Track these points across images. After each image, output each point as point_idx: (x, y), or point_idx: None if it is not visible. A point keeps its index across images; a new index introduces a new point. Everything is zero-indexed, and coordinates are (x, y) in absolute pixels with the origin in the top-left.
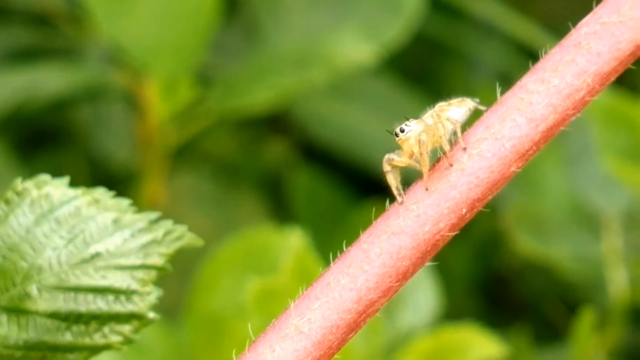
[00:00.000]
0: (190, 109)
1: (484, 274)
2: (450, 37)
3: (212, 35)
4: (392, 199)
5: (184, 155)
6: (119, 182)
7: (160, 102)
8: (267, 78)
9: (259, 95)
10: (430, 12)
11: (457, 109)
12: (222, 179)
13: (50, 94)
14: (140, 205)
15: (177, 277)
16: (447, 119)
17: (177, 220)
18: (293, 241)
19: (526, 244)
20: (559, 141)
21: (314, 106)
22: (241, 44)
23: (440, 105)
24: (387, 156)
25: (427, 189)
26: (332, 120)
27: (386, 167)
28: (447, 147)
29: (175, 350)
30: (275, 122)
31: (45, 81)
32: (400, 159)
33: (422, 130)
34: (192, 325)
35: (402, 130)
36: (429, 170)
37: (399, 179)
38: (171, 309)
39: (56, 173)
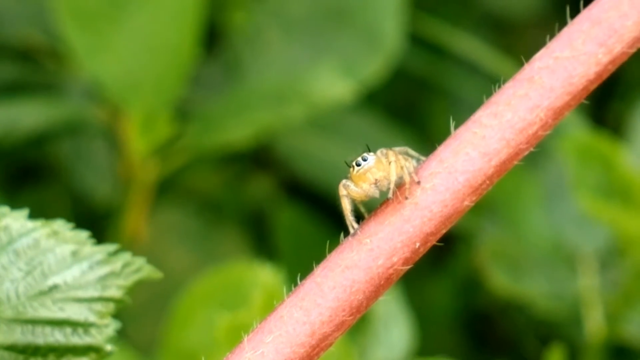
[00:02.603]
0: (169, 144)
1: (467, 310)
2: (435, 74)
3: (192, 70)
4: (347, 232)
5: (167, 191)
6: (101, 217)
7: (139, 137)
8: (245, 114)
9: (238, 131)
10: (414, 50)
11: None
12: (205, 215)
13: (29, 128)
14: (121, 241)
15: (156, 313)
16: (399, 155)
17: (160, 256)
18: (264, 277)
19: (500, 280)
20: (536, 178)
21: (297, 142)
22: (221, 79)
23: (384, 149)
24: (343, 181)
25: (407, 199)
26: (316, 156)
27: (342, 191)
28: (407, 178)
29: None
30: (259, 158)
31: (25, 115)
32: (357, 189)
33: (381, 162)
34: None
35: (365, 159)
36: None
37: (352, 207)
38: (150, 345)
39: (39, 209)
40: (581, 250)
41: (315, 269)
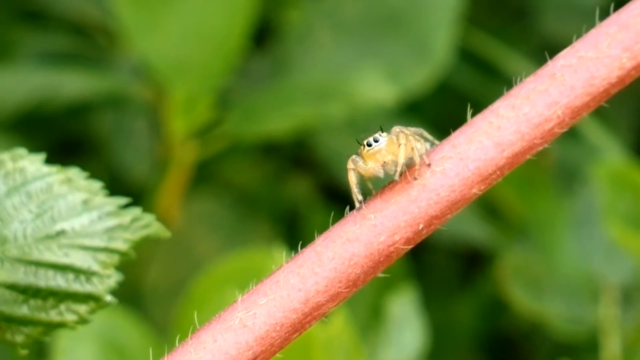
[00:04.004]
0: (209, 130)
1: (490, 332)
2: (486, 94)
3: (239, 60)
4: (352, 205)
5: (204, 179)
6: (135, 197)
7: (180, 119)
8: (286, 107)
9: (277, 123)
10: (468, 67)
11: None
12: (239, 208)
13: (71, 97)
14: None
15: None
16: (410, 137)
17: (189, 243)
18: (278, 257)
19: (519, 296)
20: (571, 203)
21: (339, 146)
22: (268, 74)
23: (400, 127)
24: (353, 157)
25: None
26: None
27: (350, 165)
28: (417, 159)
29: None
30: (300, 158)
31: (68, 84)
32: (365, 166)
33: (393, 142)
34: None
35: (377, 140)
36: (391, 184)
37: (358, 181)
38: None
39: None
40: (606, 280)
41: (316, 238)
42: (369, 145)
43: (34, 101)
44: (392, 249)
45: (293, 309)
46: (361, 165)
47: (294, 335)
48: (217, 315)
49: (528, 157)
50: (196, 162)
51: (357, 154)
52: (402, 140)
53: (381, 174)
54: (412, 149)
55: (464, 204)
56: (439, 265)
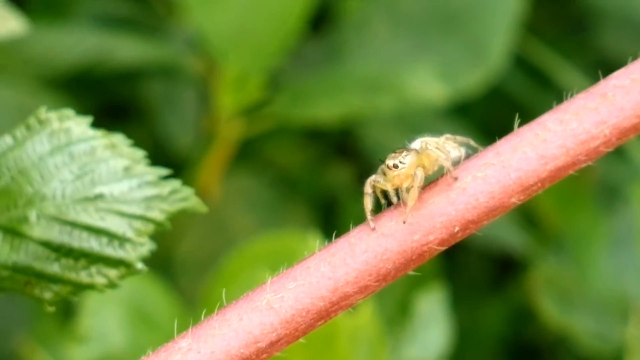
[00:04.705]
0: (257, 109)
1: (516, 339)
2: (537, 103)
3: (294, 42)
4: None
5: (246, 157)
6: (176, 166)
7: (229, 95)
8: (336, 94)
9: (325, 110)
10: (522, 75)
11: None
12: (279, 189)
13: (123, 62)
14: None
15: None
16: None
17: (225, 218)
18: (312, 243)
19: (548, 308)
20: (611, 222)
21: (385, 138)
22: (322, 60)
23: (447, 136)
24: (371, 178)
25: (404, 222)
26: None
27: (368, 189)
28: (448, 164)
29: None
30: (345, 147)
31: (121, 48)
32: (385, 183)
33: (415, 162)
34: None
35: (396, 166)
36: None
37: (373, 204)
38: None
39: None
40: (637, 301)
41: (351, 229)
42: (389, 167)
43: (87, 62)
44: (425, 248)
45: (321, 296)
46: (382, 183)
47: (319, 323)
48: (245, 295)
49: (571, 172)
50: (240, 139)
51: (377, 173)
52: (414, 182)
53: (394, 200)
54: (437, 158)
55: (501, 212)
56: (471, 267)
